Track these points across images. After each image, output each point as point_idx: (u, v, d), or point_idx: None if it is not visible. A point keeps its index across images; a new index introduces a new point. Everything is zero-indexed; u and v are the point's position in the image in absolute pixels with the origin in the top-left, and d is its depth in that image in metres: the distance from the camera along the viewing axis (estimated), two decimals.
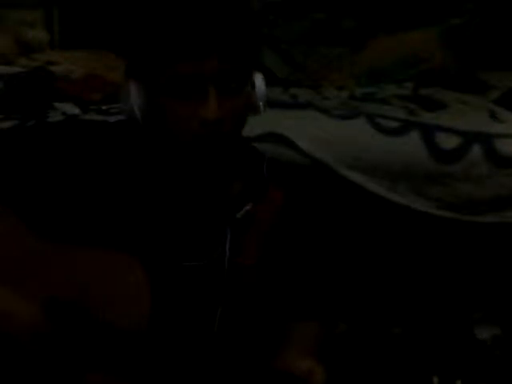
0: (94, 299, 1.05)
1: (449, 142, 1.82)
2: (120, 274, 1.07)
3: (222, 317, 1.15)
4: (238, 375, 1.15)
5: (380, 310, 1.93)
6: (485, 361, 1.85)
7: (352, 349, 1.80)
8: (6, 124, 1.76)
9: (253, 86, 1.13)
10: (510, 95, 2.05)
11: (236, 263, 1.15)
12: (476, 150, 1.80)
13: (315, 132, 1.83)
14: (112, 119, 1.68)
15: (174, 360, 1.12)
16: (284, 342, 1.18)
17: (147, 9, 1.10)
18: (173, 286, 1.13)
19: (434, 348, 1.86)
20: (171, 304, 1.13)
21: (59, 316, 1.05)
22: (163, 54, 1.06)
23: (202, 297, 1.14)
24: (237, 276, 1.15)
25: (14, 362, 1.04)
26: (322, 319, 1.25)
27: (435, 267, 1.91)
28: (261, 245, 1.17)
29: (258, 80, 1.14)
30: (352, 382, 1.63)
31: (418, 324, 1.93)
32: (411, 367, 1.76)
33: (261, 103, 1.14)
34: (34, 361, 1.04)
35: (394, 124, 1.85)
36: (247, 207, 1.16)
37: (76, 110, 1.86)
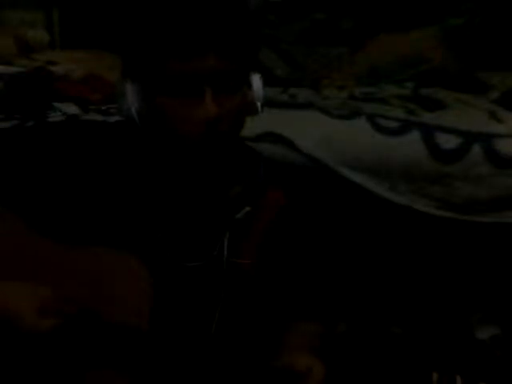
0: (95, 298, 1.05)
1: (449, 142, 1.82)
2: (121, 273, 1.07)
3: (220, 317, 1.15)
4: (236, 375, 1.15)
5: (380, 310, 1.93)
6: (485, 360, 1.85)
7: (352, 348, 1.80)
8: (6, 124, 1.76)
9: (250, 86, 1.13)
10: (510, 95, 2.05)
11: (235, 263, 1.15)
12: (476, 150, 1.80)
13: (315, 132, 1.83)
14: (112, 119, 1.68)
15: (173, 359, 1.12)
16: (283, 342, 1.18)
17: (144, 8, 1.10)
18: (172, 285, 1.13)
19: (433, 349, 1.86)
20: (170, 303, 1.13)
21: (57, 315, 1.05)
22: (159, 52, 1.06)
23: (201, 297, 1.15)
24: (235, 276, 1.15)
25: (14, 360, 1.04)
26: (321, 319, 1.25)
27: (435, 267, 1.91)
28: (260, 245, 1.17)
29: (256, 80, 1.14)
30: (352, 382, 1.63)
31: (417, 324, 1.93)
32: (411, 365, 1.76)
33: (258, 103, 1.14)
34: (35, 359, 1.04)
35: (394, 124, 1.84)
36: (246, 209, 1.16)
37: (76, 110, 1.86)
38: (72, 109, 1.86)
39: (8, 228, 1.11)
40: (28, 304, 1.02)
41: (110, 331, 1.05)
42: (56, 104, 1.87)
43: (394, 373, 1.72)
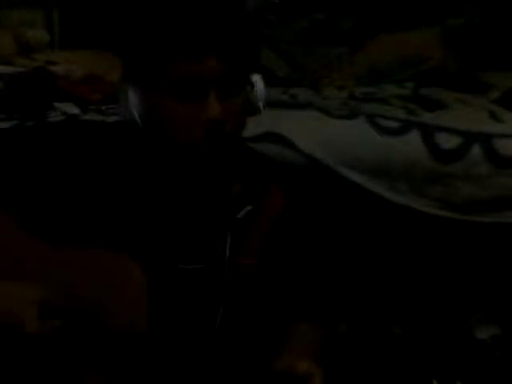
0: (94, 299, 1.05)
1: (449, 142, 1.82)
2: (118, 276, 1.07)
3: (222, 317, 1.15)
4: (238, 376, 1.15)
5: (380, 310, 1.93)
6: (485, 361, 1.85)
7: (352, 349, 1.80)
8: (6, 124, 1.76)
9: (252, 86, 1.13)
10: (510, 95, 2.05)
11: (237, 263, 1.15)
12: (476, 150, 1.81)
13: (315, 132, 1.83)
14: (111, 119, 1.68)
15: (175, 360, 1.12)
16: (284, 343, 1.18)
17: (146, 10, 1.10)
18: (174, 288, 1.13)
19: (433, 349, 1.86)
20: (172, 306, 1.12)
21: (58, 316, 1.05)
22: (163, 55, 1.05)
23: (203, 298, 1.14)
24: (238, 276, 1.15)
25: (14, 361, 1.04)
26: (322, 319, 1.25)
27: (435, 267, 1.91)
28: (261, 244, 1.17)
29: (257, 80, 1.14)
30: (352, 382, 1.63)
31: (417, 324, 1.94)
32: (411, 369, 1.76)
33: (260, 103, 1.14)
34: (35, 360, 1.04)
35: (394, 124, 1.85)
36: (248, 208, 1.16)
37: (76, 110, 1.86)
38: (72, 109, 1.86)
39: (7, 228, 1.11)
40: (29, 308, 1.02)
41: (109, 333, 1.05)
42: (56, 104, 1.87)
43: (394, 374, 1.72)
